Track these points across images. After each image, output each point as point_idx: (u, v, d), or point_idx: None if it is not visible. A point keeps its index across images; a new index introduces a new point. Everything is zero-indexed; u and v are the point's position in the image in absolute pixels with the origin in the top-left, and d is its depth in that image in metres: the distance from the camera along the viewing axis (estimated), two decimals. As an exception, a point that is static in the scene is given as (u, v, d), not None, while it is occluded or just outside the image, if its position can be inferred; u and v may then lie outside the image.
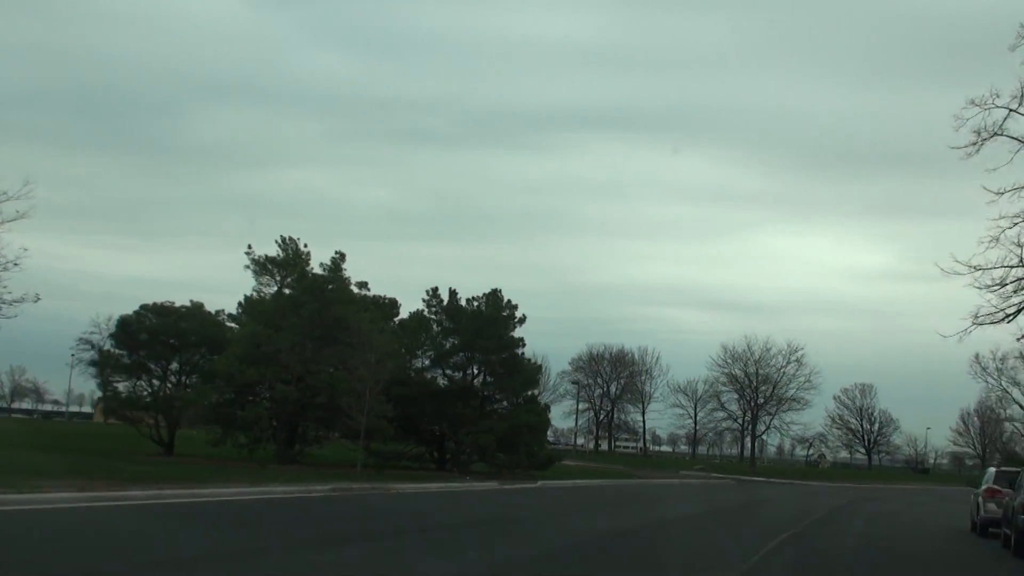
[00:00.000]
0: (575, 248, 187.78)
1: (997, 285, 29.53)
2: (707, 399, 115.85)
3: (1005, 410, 68.04)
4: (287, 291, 47.96)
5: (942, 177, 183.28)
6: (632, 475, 71.60)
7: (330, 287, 46.88)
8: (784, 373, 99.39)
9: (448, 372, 54.86)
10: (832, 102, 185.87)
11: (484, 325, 52.50)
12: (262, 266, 47.71)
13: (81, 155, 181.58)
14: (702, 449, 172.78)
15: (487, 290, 53.95)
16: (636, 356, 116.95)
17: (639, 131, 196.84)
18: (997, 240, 29.00)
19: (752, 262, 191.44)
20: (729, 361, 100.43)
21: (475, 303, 53.72)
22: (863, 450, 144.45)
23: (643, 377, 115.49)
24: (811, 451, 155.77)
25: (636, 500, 40.23)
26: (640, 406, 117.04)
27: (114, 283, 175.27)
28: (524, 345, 54.42)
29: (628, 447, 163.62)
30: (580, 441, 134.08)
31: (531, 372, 54.46)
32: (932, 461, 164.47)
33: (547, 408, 54.77)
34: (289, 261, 47.51)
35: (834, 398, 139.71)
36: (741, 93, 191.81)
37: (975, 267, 29.72)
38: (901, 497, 64.66)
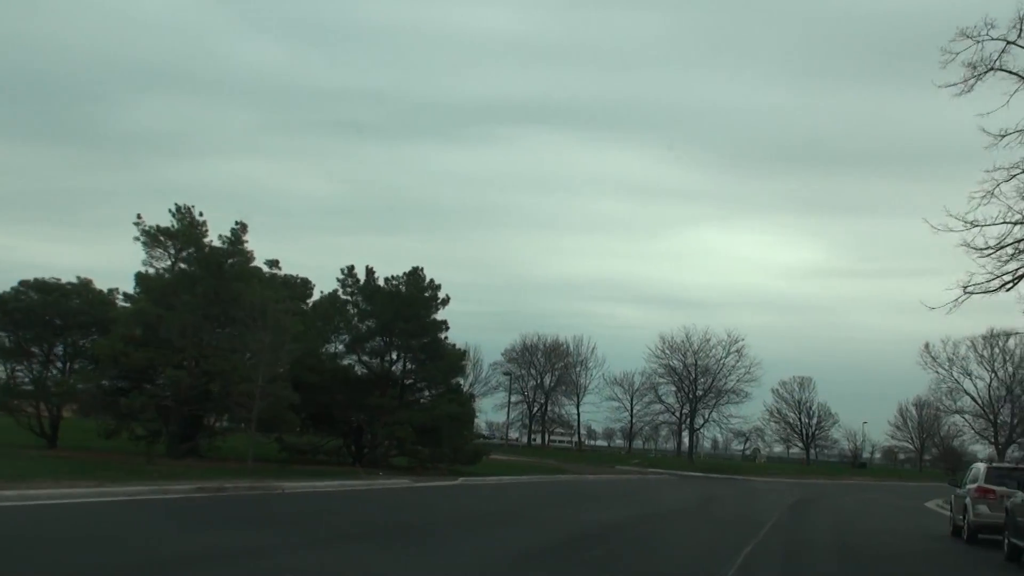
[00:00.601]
0: (513, 242, 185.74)
1: (991, 249, 25.66)
2: (644, 391, 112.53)
3: (955, 402, 64.59)
4: (182, 266, 43.04)
5: (869, 175, 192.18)
6: (565, 470, 67.58)
7: (229, 262, 42.00)
8: (724, 364, 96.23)
9: (365, 359, 50.35)
10: (764, 99, 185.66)
11: (403, 307, 48.05)
12: (153, 238, 42.56)
13: (7, 142, 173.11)
14: (638, 443, 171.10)
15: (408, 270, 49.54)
16: (571, 347, 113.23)
17: (576, 126, 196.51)
18: (992, 195, 25.12)
19: (686, 258, 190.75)
20: (667, 352, 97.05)
21: (394, 283, 49.30)
22: (801, 444, 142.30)
23: (578, 369, 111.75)
24: (747, 445, 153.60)
25: (566, 500, 36.00)
26: (575, 398, 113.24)
27: (38, 272, 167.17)
28: (447, 329, 50.16)
29: (563, 441, 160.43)
30: (514, 435, 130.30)
31: (455, 358, 50.04)
32: (868, 455, 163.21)
33: (472, 398, 50.47)
34: (184, 232, 42.47)
35: (772, 391, 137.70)
36: (676, 90, 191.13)
37: (971, 223, 25.87)
38: (848, 493, 61.51)
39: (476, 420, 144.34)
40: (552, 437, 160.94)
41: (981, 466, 26.73)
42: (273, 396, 36.41)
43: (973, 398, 63.96)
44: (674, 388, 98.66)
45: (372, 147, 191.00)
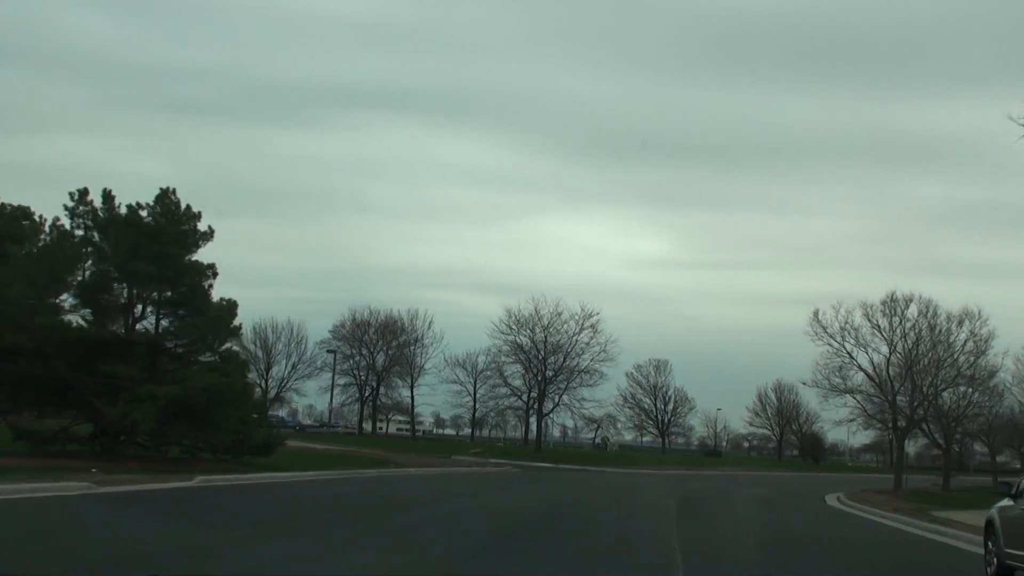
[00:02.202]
0: (358, 229, 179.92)
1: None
2: (489, 374, 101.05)
3: (846, 381, 54.77)
4: None
5: (716, 170, 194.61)
6: (389, 462, 55.31)
7: None
8: (577, 341, 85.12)
9: (100, 314, 37.05)
10: (613, 92, 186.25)
11: (146, 242, 34.97)
12: None
13: None
14: (487, 431, 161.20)
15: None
16: (405, 323, 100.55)
17: (423, 113, 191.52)
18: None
19: (534, 247, 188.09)
20: (513, 327, 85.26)
21: (139, 210, 36.13)
22: (656, 431, 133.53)
23: (413, 348, 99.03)
24: (598, 433, 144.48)
25: (335, 510, 23.83)
26: (409, 380, 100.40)
27: None
28: (214, 276, 37.26)
29: (407, 429, 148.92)
30: (340, 422, 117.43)
31: (222, 315, 36.98)
32: (724, 443, 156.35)
33: (247, 367, 37.72)
34: None
35: (627, 375, 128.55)
36: (525, 78, 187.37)
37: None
38: (726, 488, 51.21)
39: (294, 404, 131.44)
40: (398, 426, 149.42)
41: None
42: None
43: (869, 375, 53.99)
44: (521, 369, 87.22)
45: (212, 128, 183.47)
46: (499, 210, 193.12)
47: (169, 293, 36.63)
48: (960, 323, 52.47)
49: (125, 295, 36.82)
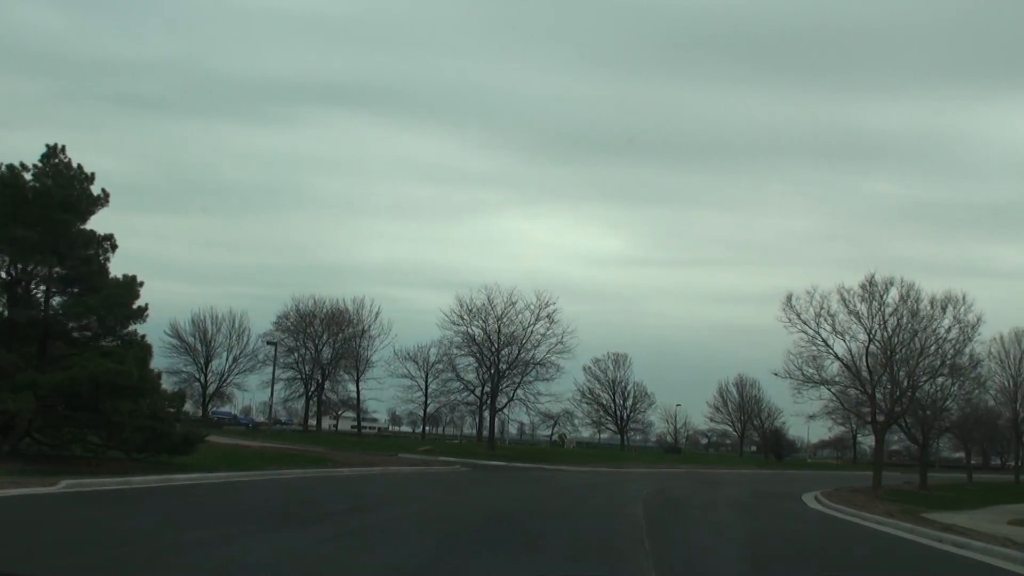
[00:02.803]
0: (310, 225, 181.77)
1: None
2: (442, 367, 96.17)
3: (820, 371, 50.51)
4: None
5: (670, 167, 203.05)
6: (326, 461, 50.41)
7: None
8: (532, 332, 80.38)
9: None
10: (568, 89, 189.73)
11: (29, 205, 29.98)
12: None
13: None
14: (443, 429, 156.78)
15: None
16: (352, 313, 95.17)
17: (378, 108, 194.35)
18: None
19: (489, 244, 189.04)
20: (465, 318, 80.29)
21: (23, 171, 31.05)
22: (614, 428, 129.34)
23: (359, 339, 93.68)
24: (555, 430, 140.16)
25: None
26: (355, 374, 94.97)
27: None
28: (113, 249, 32.26)
29: (365, 427, 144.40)
30: (283, 418, 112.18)
31: (119, 292, 31.93)
32: (684, 439, 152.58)
33: (148, 353, 32.66)
34: None
35: (584, 369, 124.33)
36: (481, 75, 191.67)
37: None
38: (699, 488, 46.94)
39: (248, 401, 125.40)
40: (352, 423, 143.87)
41: None
42: None
43: (846, 365, 49.81)
44: (474, 362, 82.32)
45: (160, 122, 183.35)
46: (454, 206, 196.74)
47: (58, 269, 31.71)
48: (943, 308, 48.54)
49: (7, 269, 31.83)
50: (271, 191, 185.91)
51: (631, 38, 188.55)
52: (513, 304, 79.76)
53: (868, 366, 49.82)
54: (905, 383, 49.20)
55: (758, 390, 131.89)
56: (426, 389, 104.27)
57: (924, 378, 49.72)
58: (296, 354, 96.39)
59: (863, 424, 57.79)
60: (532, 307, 79.53)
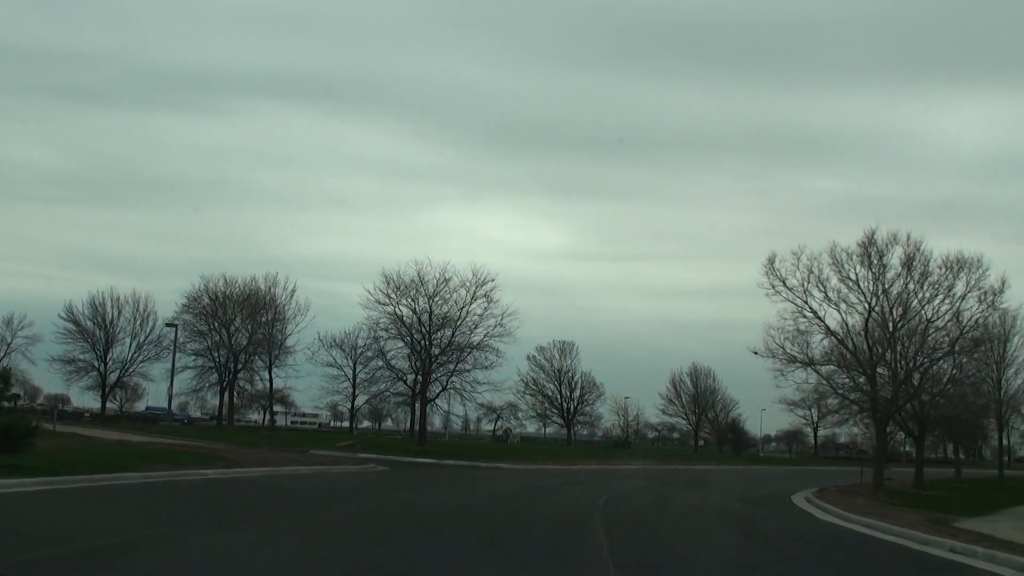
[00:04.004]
0: (252, 219, 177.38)
1: None
2: (371, 355, 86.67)
3: (806, 347, 41.65)
4: None
5: (614, 162, 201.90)
6: (217, 460, 40.88)
7: None
8: (469, 312, 71.15)
9: None
10: (514, 81, 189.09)
11: None
12: None
13: None
14: (379, 424, 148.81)
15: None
16: (263, 291, 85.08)
17: (321, 100, 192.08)
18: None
19: (433, 237, 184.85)
20: (393, 295, 70.79)
21: None
22: (561, 420, 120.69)
23: (271, 321, 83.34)
24: (498, 423, 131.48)
25: None
26: (268, 361, 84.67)
27: None
28: None
29: (303, 422, 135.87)
30: (197, 412, 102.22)
31: None
32: (633, 434, 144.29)
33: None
34: None
35: (528, 358, 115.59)
36: (425, 68, 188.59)
37: None
38: (664, 490, 38.36)
39: (140, 391, 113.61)
40: (293, 418, 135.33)
41: None
42: None
43: (840, 340, 41.19)
44: (403, 346, 72.84)
45: (97, 114, 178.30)
46: (399, 200, 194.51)
47: None
48: (956, 271, 40.08)
49: None
50: (213, 184, 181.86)
51: (576, 32, 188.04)
52: (447, 281, 70.56)
53: (868, 343, 41.40)
54: (914, 361, 40.87)
55: (713, 380, 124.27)
56: (354, 379, 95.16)
57: (939, 354, 41.32)
58: (209, 340, 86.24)
59: (858, 413, 49.14)
60: (468, 284, 70.38)
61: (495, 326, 71.06)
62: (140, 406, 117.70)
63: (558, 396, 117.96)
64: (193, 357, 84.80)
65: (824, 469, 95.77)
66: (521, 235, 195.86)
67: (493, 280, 70.40)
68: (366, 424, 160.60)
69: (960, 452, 79.50)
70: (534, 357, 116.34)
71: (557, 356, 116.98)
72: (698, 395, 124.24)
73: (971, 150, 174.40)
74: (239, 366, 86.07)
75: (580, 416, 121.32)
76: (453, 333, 71.32)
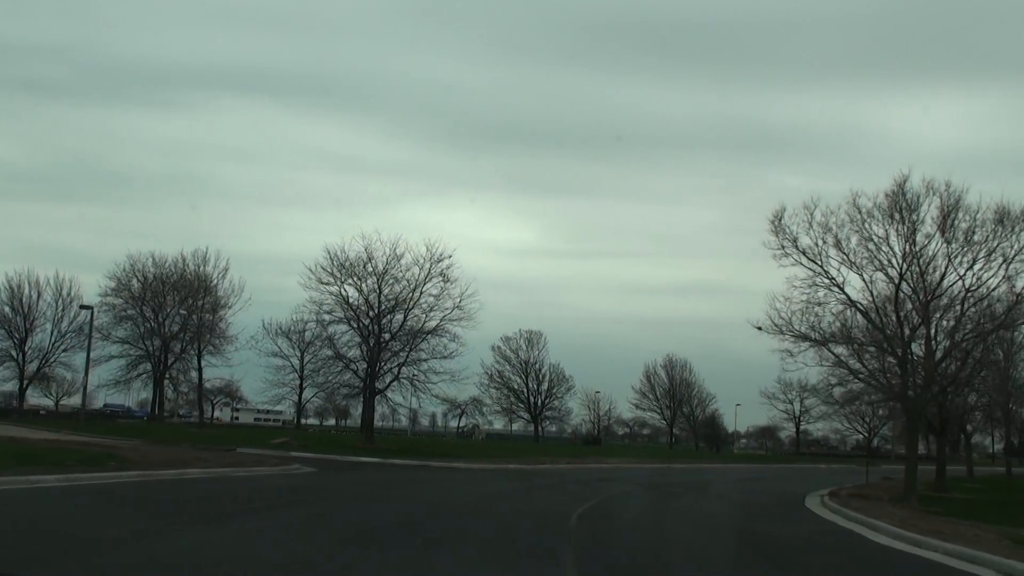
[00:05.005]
0: (213, 214, 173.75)
1: None
2: (320, 345, 78.55)
3: (819, 323, 33.92)
4: None
5: (583, 158, 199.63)
6: (113, 459, 33.11)
7: None
8: (423, 294, 63.39)
9: None
10: (475, 79, 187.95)
11: None
12: None
13: None
14: (345, 421, 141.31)
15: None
16: (191, 269, 76.40)
17: (283, 95, 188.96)
18: None
19: (401, 235, 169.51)
20: (337, 274, 62.89)
21: None
22: (528, 415, 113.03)
23: (201, 302, 74.85)
24: (462, 419, 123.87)
25: None
26: (198, 348, 76.00)
27: None
28: None
29: (265, 419, 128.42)
30: (127, 404, 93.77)
31: None
32: (605, 430, 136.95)
33: None
34: None
35: (493, 349, 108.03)
36: (386, 63, 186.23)
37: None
38: (657, 496, 30.78)
39: (62, 383, 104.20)
40: (256, 415, 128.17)
41: None
42: None
43: (863, 312, 33.63)
44: (349, 330, 64.89)
45: (60, 108, 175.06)
46: (363, 196, 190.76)
47: None
48: (1000, 222, 32.56)
49: None
50: (175, 180, 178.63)
51: (544, 28, 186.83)
52: (398, 259, 62.63)
53: (898, 315, 33.96)
54: (956, 337, 33.48)
55: (689, 372, 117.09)
56: (301, 371, 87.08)
57: (992, 327, 33.81)
58: (141, 327, 77.55)
59: (885, 401, 41.49)
60: (422, 262, 62.48)
61: (453, 309, 63.27)
62: (76, 401, 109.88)
63: (525, 389, 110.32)
64: (120, 345, 76.19)
65: (812, 467, 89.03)
66: (487, 231, 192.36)
67: (450, 256, 62.63)
68: (331, 422, 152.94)
69: (961, 448, 72.44)
70: (499, 348, 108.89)
71: (524, 347, 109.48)
72: (673, 388, 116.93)
73: (934, 148, 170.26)
74: (170, 355, 77.55)
75: (548, 411, 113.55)
76: (405, 317, 63.49)
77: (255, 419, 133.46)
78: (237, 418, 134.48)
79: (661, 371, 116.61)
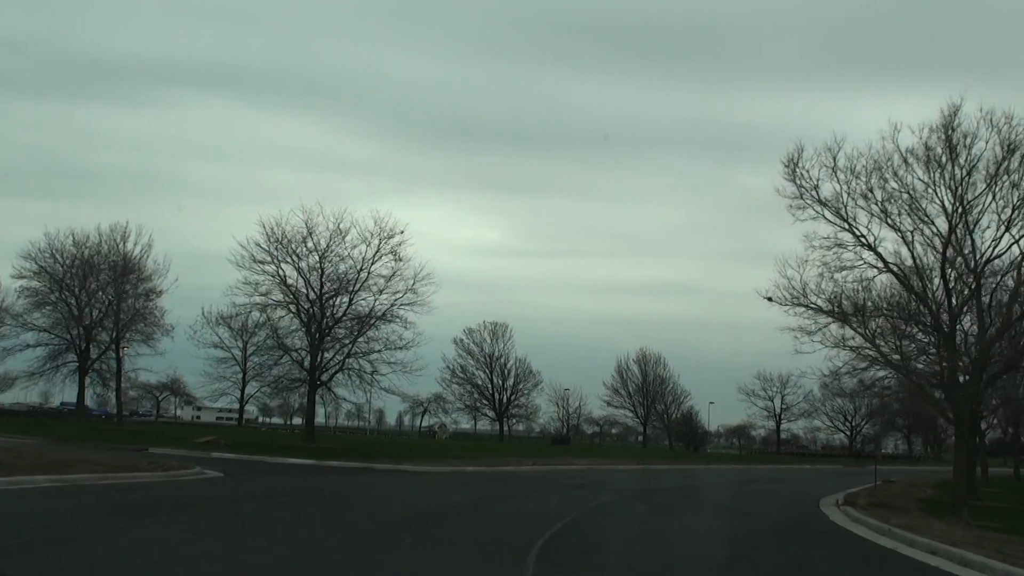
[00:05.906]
0: (181, 213, 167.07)
1: None
2: (259, 330, 71.57)
3: (839, 299, 26.98)
4: None
5: (550, 157, 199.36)
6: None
7: None
8: (370, 274, 56.39)
9: None
10: (445, 76, 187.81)
11: None
12: None
13: None
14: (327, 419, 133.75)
15: None
16: (105, 247, 68.53)
17: (253, 92, 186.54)
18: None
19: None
20: (275, 253, 55.78)
21: None
22: (492, 413, 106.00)
23: (120, 283, 66.98)
24: (424, 417, 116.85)
25: None
26: (116, 332, 68.30)
27: None
28: None
29: (227, 417, 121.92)
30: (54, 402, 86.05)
31: None
32: (573, 429, 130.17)
33: None
34: None
35: (455, 342, 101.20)
36: (355, 60, 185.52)
37: None
38: (651, 510, 24.02)
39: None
40: (218, 414, 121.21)
41: None
42: None
43: (901, 279, 26.87)
44: (293, 317, 57.82)
45: (21, 103, 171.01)
46: (331, 194, 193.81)
47: None
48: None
49: None
50: (139, 177, 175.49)
51: (511, 26, 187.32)
52: (343, 235, 55.53)
53: (946, 285, 27.33)
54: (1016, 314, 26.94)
55: (664, 367, 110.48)
56: (244, 362, 79.89)
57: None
58: (62, 312, 69.80)
59: (928, 390, 34.39)
60: (369, 238, 55.39)
61: (405, 292, 56.29)
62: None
63: (489, 385, 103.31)
64: (37, 333, 68.51)
65: (797, 468, 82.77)
66: (454, 230, 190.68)
67: (402, 232, 55.58)
68: (298, 421, 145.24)
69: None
70: (462, 341, 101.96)
71: (488, 339, 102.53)
72: (647, 384, 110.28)
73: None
74: (95, 345, 69.92)
75: (515, 408, 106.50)
76: (351, 300, 56.41)
77: (216, 418, 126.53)
78: (199, 417, 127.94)
79: (634, 366, 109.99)
